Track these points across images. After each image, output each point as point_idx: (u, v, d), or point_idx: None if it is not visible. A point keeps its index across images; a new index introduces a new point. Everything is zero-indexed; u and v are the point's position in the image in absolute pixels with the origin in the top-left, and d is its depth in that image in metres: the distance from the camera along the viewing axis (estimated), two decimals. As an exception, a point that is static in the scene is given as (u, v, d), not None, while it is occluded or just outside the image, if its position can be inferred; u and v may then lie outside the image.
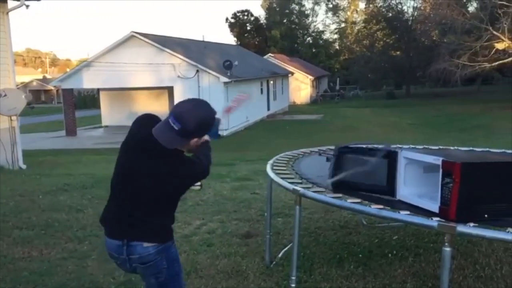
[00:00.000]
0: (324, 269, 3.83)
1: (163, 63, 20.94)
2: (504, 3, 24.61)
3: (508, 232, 2.09)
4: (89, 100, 46.26)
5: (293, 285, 3.24)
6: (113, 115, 24.37)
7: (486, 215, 2.19)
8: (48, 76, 65.69)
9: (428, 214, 2.35)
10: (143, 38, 21.33)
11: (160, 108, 23.27)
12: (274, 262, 4.01)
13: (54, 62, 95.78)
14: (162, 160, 2.14)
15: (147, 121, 2.22)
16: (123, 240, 2.20)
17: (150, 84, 21.65)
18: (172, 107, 2.16)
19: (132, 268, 2.28)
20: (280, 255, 4.15)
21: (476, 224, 2.15)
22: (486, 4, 26.26)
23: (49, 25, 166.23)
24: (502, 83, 45.85)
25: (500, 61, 26.15)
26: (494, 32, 25.09)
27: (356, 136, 17.85)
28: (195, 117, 2.11)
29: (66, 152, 16.84)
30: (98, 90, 26.58)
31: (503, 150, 4.80)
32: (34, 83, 60.24)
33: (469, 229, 2.13)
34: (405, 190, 2.63)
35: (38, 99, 59.54)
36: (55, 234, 4.98)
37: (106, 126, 24.95)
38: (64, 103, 23.74)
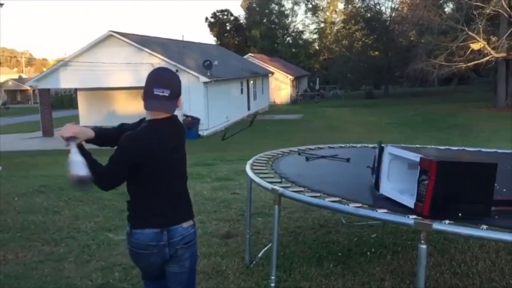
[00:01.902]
0: (304, 268, 3.85)
1: (142, 62, 20.74)
2: (479, 4, 25.09)
3: (482, 229, 2.13)
4: (66, 100, 45.54)
5: (273, 285, 3.24)
6: (91, 115, 24.04)
7: (460, 214, 2.22)
8: (24, 75, 64.50)
9: (406, 209, 2.38)
10: (122, 37, 21.10)
11: (139, 108, 22.87)
12: (254, 262, 4.01)
13: (30, 61, 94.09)
14: (180, 134, 2.39)
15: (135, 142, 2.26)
16: (161, 227, 2.27)
17: (129, 84, 21.41)
18: (147, 76, 2.29)
19: (170, 254, 2.31)
20: (260, 254, 4.15)
21: (452, 222, 2.18)
22: (462, 5, 26.70)
23: (25, 23, 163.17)
24: (478, 82, 46.80)
25: (476, 61, 26.62)
26: (470, 33, 25.54)
27: (335, 136, 17.98)
28: (175, 79, 2.31)
29: (43, 153, 16.57)
30: (76, 90, 26.20)
31: (478, 149, 4.90)
32: (10, 83, 59.09)
33: (445, 226, 2.16)
34: (388, 185, 2.66)
35: (13, 99, 58.48)
36: (31, 237, 4.89)
37: (85, 127, 24.56)
38: (40, 103, 23.31)
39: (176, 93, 2.27)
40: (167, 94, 2.22)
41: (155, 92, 2.21)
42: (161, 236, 2.27)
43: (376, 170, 2.89)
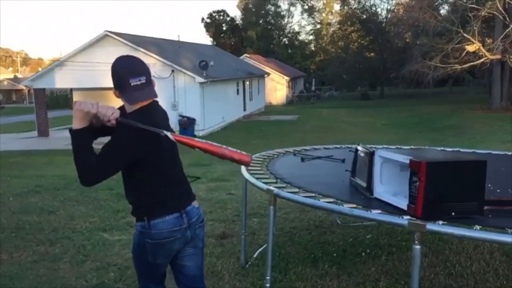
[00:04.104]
0: (299, 268, 3.85)
1: (138, 63, 20.69)
2: (475, 6, 25.22)
3: (476, 230, 2.14)
4: (62, 100, 45.37)
5: (268, 285, 3.24)
6: (87, 115, 23.92)
7: (453, 213, 2.23)
8: (19, 75, 64.30)
9: (400, 211, 2.39)
10: (117, 37, 21.04)
11: (135, 108, 22.95)
12: (249, 262, 4.01)
13: (26, 61, 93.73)
14: (167, 119, 2.36)
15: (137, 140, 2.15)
16: (179, 211, 2.26)
17: (125, 84, 21.36)
18: (115, 70, 2.20)
19: (191, 236, 2.32)
20: (255, 255, 4.16)
21: (445, 222, 2.19)
22: (457, 7, 26.82)
23: (21, 23, 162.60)
24: (473, 84, 47.03)
25: (471, 63, 26.71)
26: (465, 35, 25.64)
27: (331, 137, 18.01)
28: (143, 63, 2.23)
29: (38, 153, 16.52)
30: (71, 89, 26.12)
31: (472, 150, 4.93)
32: (5, 83, 58.85)
33: (438, 227, 2.17)
34: (381, 188, 2.67)
35: (9, 99, 58.26)
36: (26, 237, 4.87)
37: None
38: (36, 103, 23.22)
39: (150, 76, 2.21)
40: (144, 81, 2.15)
41: (132, 83, 2.12)
42: (182, 220, 2.26)
43: (359, 172, 2.91)
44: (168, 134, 2.08)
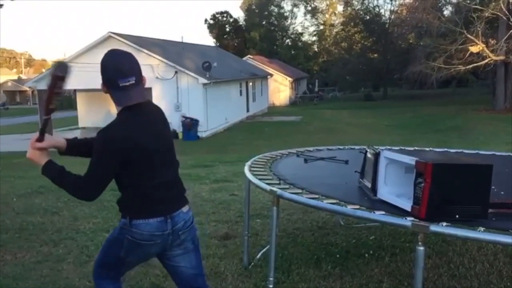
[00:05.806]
0: (302, 269, 3.85)
1: (141, 64, 20.67)
2: (478, 7, 25.20)
3: (479, 231, 2.14)
4: (65, 101, 45.49)
5: (271, 286, 3.24)
6: (90, 116, 24.05)
7: (457, 216, 2.22)
8: (23, 76, 64.55)
9: (403, 213, 2.38)
10: (121, 38, 21.12)
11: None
12: (252, 263, 4.01)
13: (30, 62, 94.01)
14: (162, 118, 2.30)
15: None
16: (165, 215, 2.21)
17: (128, 85, 21.40)
18: (104, 67, 2.13)
19: (172, 241, 2.26)
20: (258, 256, 4.15)
21: (449, 224, 2.19)
22: (460, 8, 26.82)
23: (24, 24, 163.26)
24: (477, 85, 46.94)
25: (475, 64, 26.69)
26: (469, 36, 25.63)
27: (334, 138, 18.00)
28: (133, 60, 2.17)
29: (42, 154, 16.52)
30: (75, 91, 26.20)
31: (476, 151, 4.92)
32: (9, 84, 59.16)
33: (442, 228, 2.17)
34: (385, 189, 2.67)
35: (13, 100, 58.49)
36: (30, 238, 4.88)
37: (83, 128, 24.62)
38: (39, 104, 23.33)
39: (140, 74, 2.14)
40: (133, 81, 2.08)
41: (121, 84, 2.06)
42: (166, 225, 2.20)
43: (367, 173, 2.91)
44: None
